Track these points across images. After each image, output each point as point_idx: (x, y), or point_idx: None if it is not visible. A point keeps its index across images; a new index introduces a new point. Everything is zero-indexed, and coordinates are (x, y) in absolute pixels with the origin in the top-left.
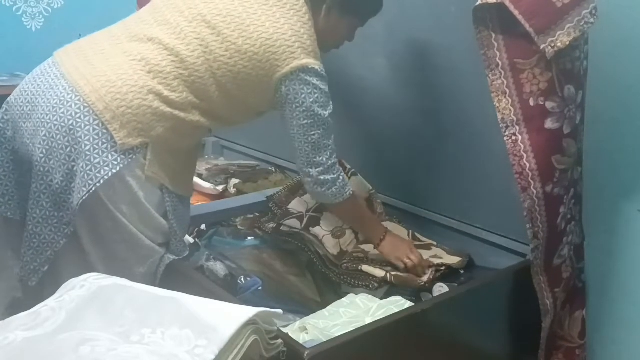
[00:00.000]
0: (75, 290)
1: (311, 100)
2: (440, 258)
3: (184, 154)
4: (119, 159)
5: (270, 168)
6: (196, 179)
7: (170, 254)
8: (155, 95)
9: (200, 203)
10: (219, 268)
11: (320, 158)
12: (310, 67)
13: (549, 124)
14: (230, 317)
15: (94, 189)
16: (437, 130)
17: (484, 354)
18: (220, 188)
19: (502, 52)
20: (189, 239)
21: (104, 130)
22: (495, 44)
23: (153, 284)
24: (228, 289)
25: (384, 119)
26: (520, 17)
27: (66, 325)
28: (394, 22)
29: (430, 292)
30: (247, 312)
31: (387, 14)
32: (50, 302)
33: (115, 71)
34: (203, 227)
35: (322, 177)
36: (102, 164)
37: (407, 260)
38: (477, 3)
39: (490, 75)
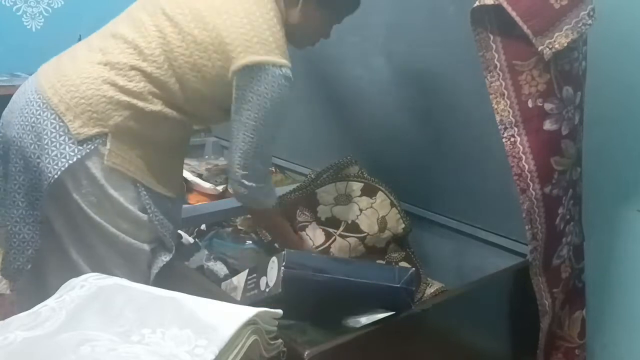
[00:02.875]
0: (75, 290)
1: (259, 102)
2: None
3: (164, 149)
4: (76, 149)
5: (270, 168)
6: (196, 179)
7: (163, 253)
8: (110, 85)
9: (200, 203)
10: (219, 268)
11: (253, 163)
12: (267, 66)
13: (548, 125)
14: (230, 317)
15: (52, 181)
16: (436, 131)
17: (484, 354)
18: (220, 188)
19: (500, 54)
20: (189, 239)
21: (61, 123)
22: (494, 46)
23: (146, 284)
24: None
25: (383, 119)
26: (518, 19)
27: (66, 325)
28: (393, 23)
29: None
30: (247, 312)
31: (386, 14)
32: (50, 302)
33: (73, 67)
34: (203, 227)
35: (247, 182)
36: (59, 156)
37: None
38: (475, 4)
39: (488, 77)
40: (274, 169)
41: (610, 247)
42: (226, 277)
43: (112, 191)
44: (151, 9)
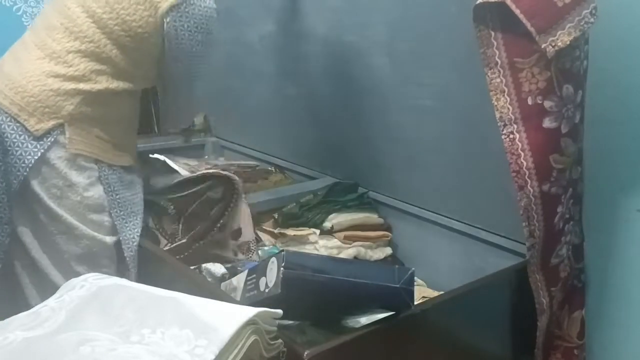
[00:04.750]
0: (75, 291)
1: (190, 37)
2: None
3: (121, 123)
4: (38, 145)
5: (270, 168)
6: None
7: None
8: (54, 77)
9: None
10: (217, 268)
11: (187, 96)
12: (192, 0)
13: (547, 123)
14: (230, 317)
15: (22, 178)
16: (436, 130)
17: (484, 354)
18: None
19: (501, 51)
20: None
21: (17, 124)
22: (495, 43)
23: (125, 274)
24: None
25: (383, 118)
26: (521, 16)
27: (66, 326)
28: (394, 22)
29: None
30: (247, 312)
31: (388, 14)
32: (50, 302)
33: (16, 69)
34: None
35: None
36: (24, 154)
37: None
38: (478, 1)
39: (489, 74)
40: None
41: (610, 247)
42: (224, 276)
43: (75, 178)
44: None
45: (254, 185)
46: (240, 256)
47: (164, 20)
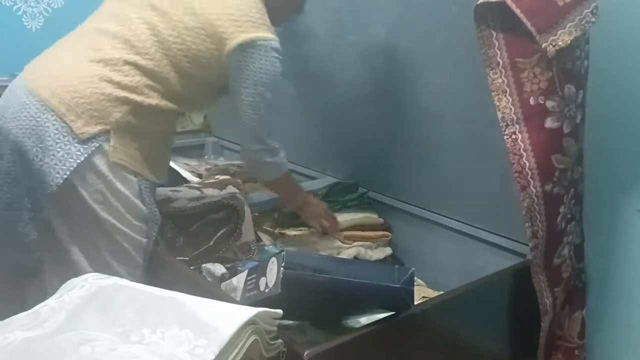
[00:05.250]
0: (75, 290)
1: (256, 78)
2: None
3: (157, 140)
4: (81, 149)
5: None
6: (195, 179)
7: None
8: (107, 82)
9: None
10: (217, 268)
11: (262, 137)
12: (258, 42)
13: (549, 123)
14: (230, 317)
15: (61, 181)
16: (437, 130)
17: (484, 354)
18: None
19: (502, 51)
20: None
21: (63, 124)
22: (496, 43)
23: (141, 276)
24: None
25: (384, 118)
26: (522, 16)
27: (66, 326)
28: (395, 22)
29: None
30: (247, 312)
31: (388, 13)
32: (50, 302)
33: (65, 67)
34: None
35: (263, 156)
36: (66, 156)
37: (324, 224)
38: (479, 1)
39: (490, 74)
40: None
41: (610, 247)
42: (223, 276)
43: (119, 186)
44: (137, 2)
45: (254, 185)
46: (240, 256)
47: (230, 57)
